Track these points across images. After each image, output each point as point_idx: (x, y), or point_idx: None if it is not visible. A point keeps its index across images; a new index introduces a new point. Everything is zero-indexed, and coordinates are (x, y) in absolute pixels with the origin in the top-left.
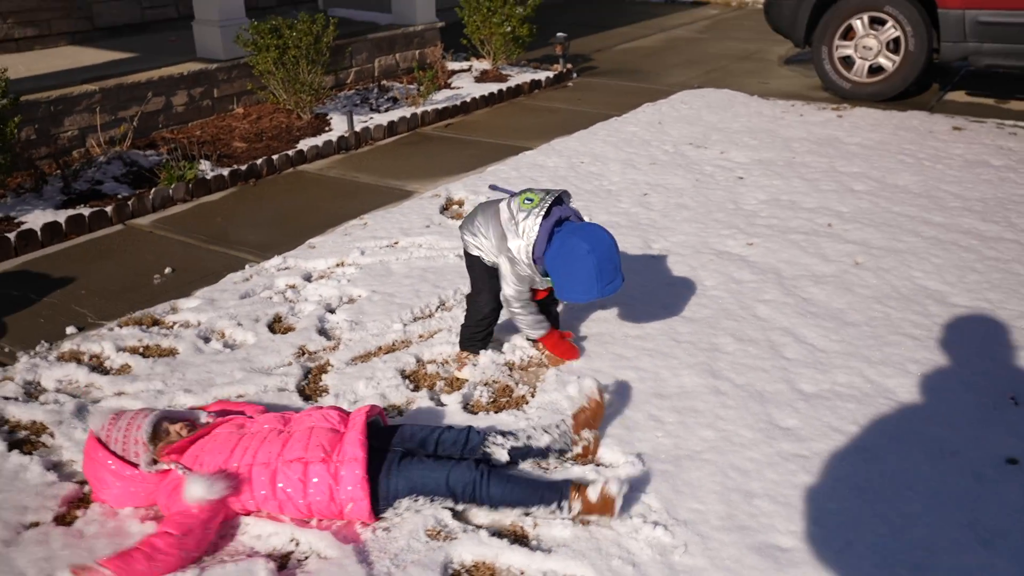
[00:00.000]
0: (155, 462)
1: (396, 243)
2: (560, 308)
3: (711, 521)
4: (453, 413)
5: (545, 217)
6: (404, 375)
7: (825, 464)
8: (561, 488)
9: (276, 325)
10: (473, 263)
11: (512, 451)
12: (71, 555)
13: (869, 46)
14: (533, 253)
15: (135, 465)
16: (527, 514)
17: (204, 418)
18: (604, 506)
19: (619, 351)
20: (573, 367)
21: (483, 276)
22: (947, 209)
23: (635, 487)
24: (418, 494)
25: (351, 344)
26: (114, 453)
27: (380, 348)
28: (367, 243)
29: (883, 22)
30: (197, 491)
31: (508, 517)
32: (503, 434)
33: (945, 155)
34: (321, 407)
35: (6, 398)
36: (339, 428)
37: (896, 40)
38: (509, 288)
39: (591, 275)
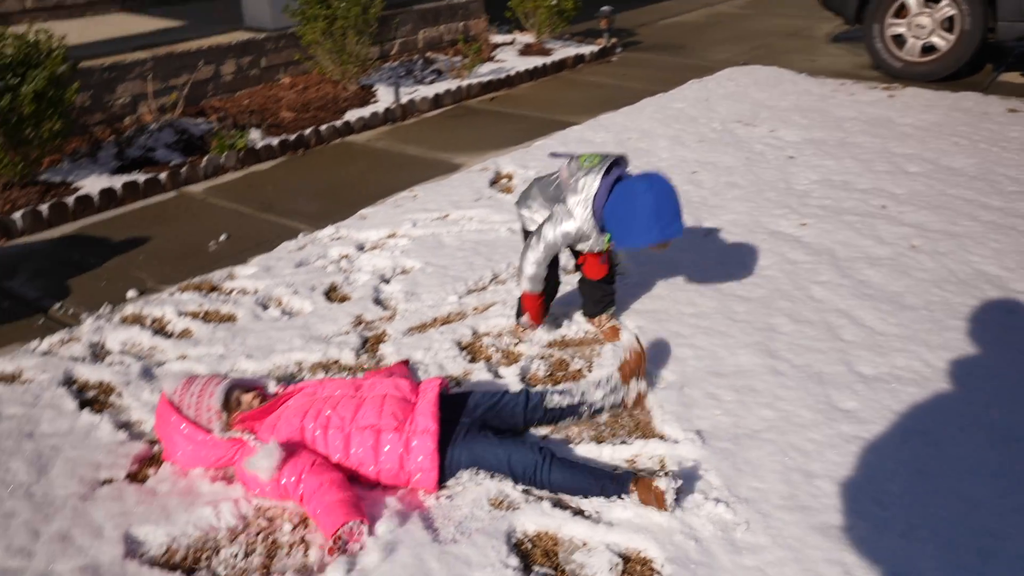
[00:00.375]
0: (228, 428)
1: (447, 216)
2: (616, 282)
3: (772, 500)
4: (511, 385)
5: (606, 175)
6: (461, 347)
7: (886, 447)
8: (622, 480)
9: (332, 294)
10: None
11: (569, 407)
12: (145, 510)
13: (922, 24)
14: (593, 205)
15: (208, 430)
16: (584, 499)
17: (273, 387)
18: (658, 499)
19: (675, 328)
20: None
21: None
22: (1005, 193)
23: (696, 464)
24: (479, 468)
25: (407, 314)
26: (186, 417)
27: (436, 319)
28: (418, 215)
29: (938, 0)
30: (263, 465)
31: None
32: (559, 392)
33: (1001, 138)
34: (391, 375)
35: (74, 358)
36: (410, 398)
37: (951, 19)
38: (533, 253)
39: (650, 215)
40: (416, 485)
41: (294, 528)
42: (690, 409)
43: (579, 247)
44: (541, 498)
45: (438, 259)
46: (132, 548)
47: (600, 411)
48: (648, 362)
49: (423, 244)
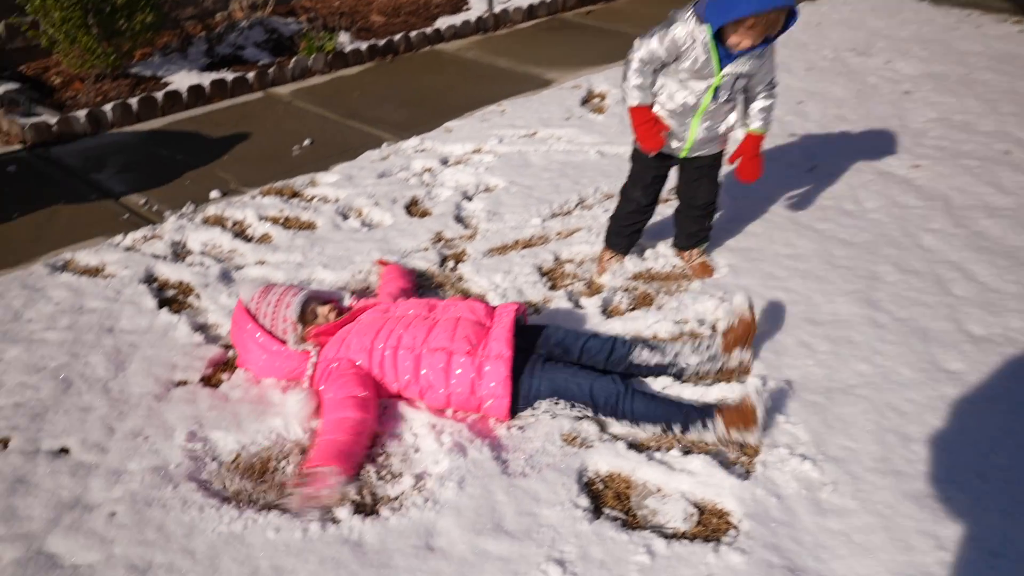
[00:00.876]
0: (303, 341)
1: (535, 133)
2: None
3: (864, 461)
4: (591, 316)
5: None
6: (541, 272)
7: (992, 415)
8: (706, 409)
9: (413, 208)
10: (638, 153)
11: (657, 367)
12: (217, 415)
13: None
14: (695, 10)
15: (282, 341)
16: (668, 430)
17: (348, 300)
18: (745, 417)
19: (769, 269)
20: (719, 282)
21: (644, 168)
22: None
23: (783, 414)
24: (560, 397)
25: (488, 235)
26: (262, 326)
27: (517, 242)
28: (505, 131)
29: None
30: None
31: (647, 433)
32: (650, 347)
33: None
34: (466, 297)
35: (155, 256)
36: (485, 322)
37: None
38: (631, 65)
39: None
40: (487, 412)
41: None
42: (780, 357)
43: (682, 68)
44: (616, 438)
45: (523, 179)
46: (202, 452)
47: (690, 375)
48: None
49: (508, 162)
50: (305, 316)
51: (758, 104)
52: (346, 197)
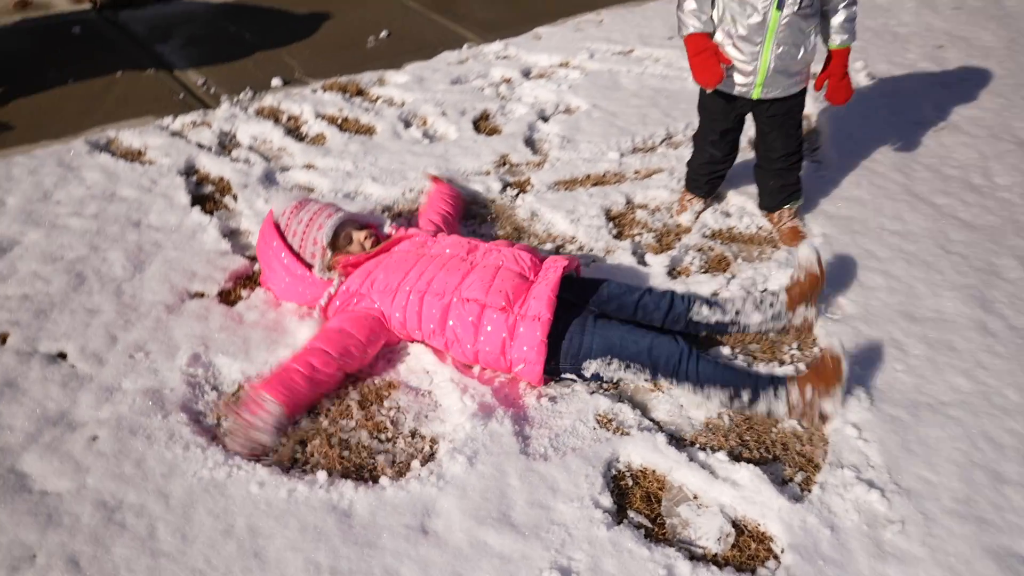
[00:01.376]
0: (330, 269)
1: (631, 51)
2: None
3: (942, 500)
4: (655, 276)
5: None
6: (609, 216)
7: None
8: (778, 377)
9: (481, 123)
10: (708, 100)
11: (717, 324)
12: (226, 338)
13: None
14: None
15: (308, 265)
16: (735, 398)
17: (388, 227)
18: (827, 374)
19: (870, 246)
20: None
21: (711, 119)
22: None
23: (856, 430)
24: (614, 356)
25: (557, 164)
26: (290, 247)
27: (588, 176)
28: (598, 44)
29: None
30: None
31: (709, 403)
32: (710, 304)
33: None
34: (514, 244)
35: (200, 145)
36: (529, 275)
37: None
38: None
39: None
40: (518, 375)
41: (366, 405)
42: (865, 354)
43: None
44: (659, 426)
45: (608, 103)
46: (202, 379)
47: (751, 331)
48: (826, 284)
49: (596, 81)
50: (338, 241)
51: (839, 17)
52: (412, 102)
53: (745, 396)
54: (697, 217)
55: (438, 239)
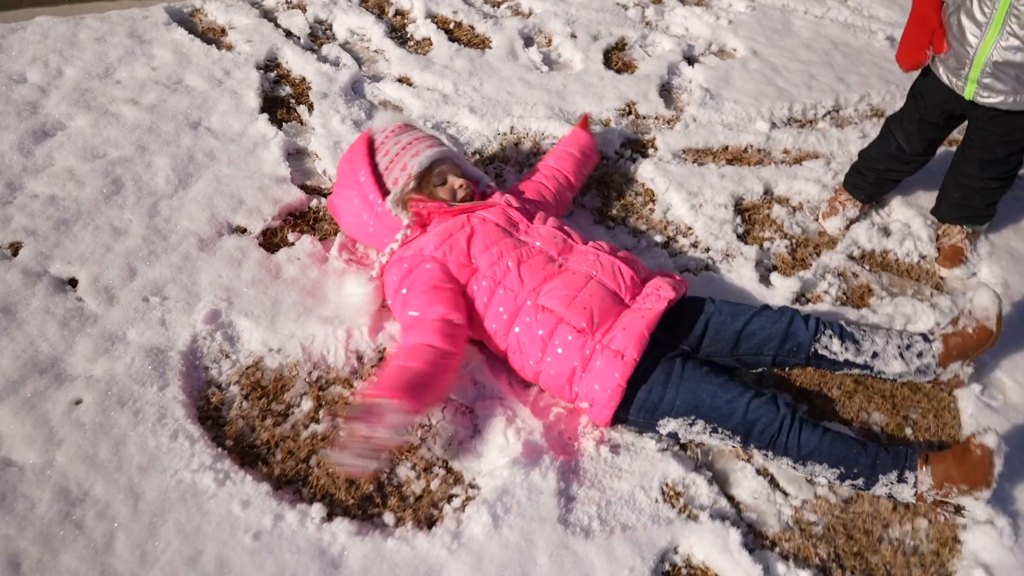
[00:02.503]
0: (404, 207)
1: None
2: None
3: None
4: (778, 299)
5: None
6: (739, 207)
7: None
8: (903, 452)
9: (614, 55)
10: (924, 81)
11: (845, 363)
12: (255, 296)
13: None
14: None
15: (383, 193)
16: (847, 478)
17: (488, 182)
18: (974, 471)
19: None
20: (965, 284)
21: (914, 105)
22: None
23: (989, 570)
24: (699, 417)
25: (693, 127)
26: (374, 167)
27: (727, 149)
28: None
29: None
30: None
31: (811, 481)
32: (842, 338)
33: None
34: (618, 250)
35: (289, 33)
36: (624, 297)
37: None
38: None
39: None
40: (582, 411)
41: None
42: (1020, 467)
43: None
44: (737, 514)
45: (772, 51)
46: (216, 344)
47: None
48: (994, 346)
49: (763, 19)
50: (430, 177)
51: None
52: (541, 14)
53: (860, 478)
54: (848, 227)
55: (534, 226)
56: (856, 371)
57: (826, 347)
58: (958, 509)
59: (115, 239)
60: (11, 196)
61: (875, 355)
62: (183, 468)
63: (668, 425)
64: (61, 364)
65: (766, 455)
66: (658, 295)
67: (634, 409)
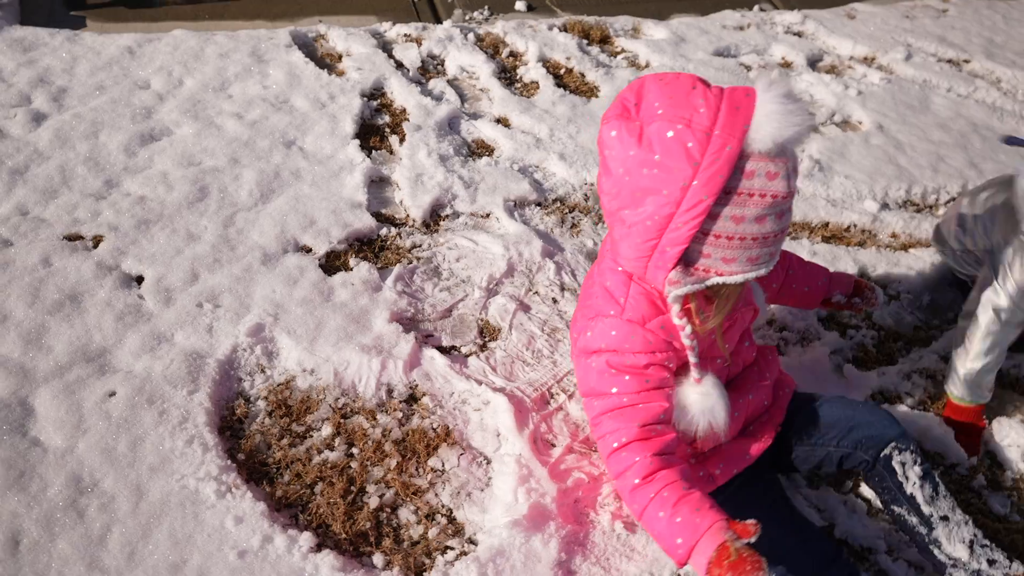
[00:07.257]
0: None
1: (966, 62)
2: None
3: None
4: (853, 395)
5: None
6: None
7: None
8: None
9: None
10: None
11: (907, 502)
12: (301, 315)
13: None
14: None
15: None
16: None
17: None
18: None
19: None
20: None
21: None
22: None
23: None
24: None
25: (796, 198)
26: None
27: (826, 225)
28: (924, 43)
29: None
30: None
31: None
32: (922, 470)
33: None
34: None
35: (400, 65)
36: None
37: None
38: (977, 330)
39: None
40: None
41: (407, 455)
42: None
43: None
44: None
45: (901, 127)
46: (255, 357)
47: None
48: None
49: (898, 93)
50: (732, 290)
51: None
52: (657, 68)
53: None
54: None
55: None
56: (905, 526)
57: (902, 463)
58: None
59: (187, 243)
60: (107, 192)
61: (944, 519)
62: (190, 474)
63: None
64: (108, 356)
65: None
66: (773, 425)
67: None
